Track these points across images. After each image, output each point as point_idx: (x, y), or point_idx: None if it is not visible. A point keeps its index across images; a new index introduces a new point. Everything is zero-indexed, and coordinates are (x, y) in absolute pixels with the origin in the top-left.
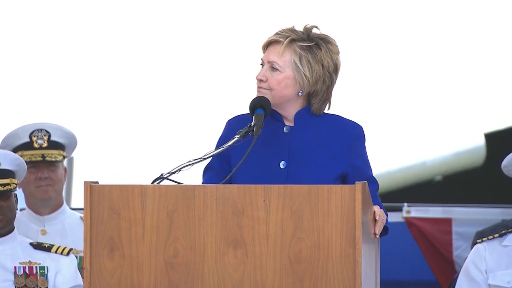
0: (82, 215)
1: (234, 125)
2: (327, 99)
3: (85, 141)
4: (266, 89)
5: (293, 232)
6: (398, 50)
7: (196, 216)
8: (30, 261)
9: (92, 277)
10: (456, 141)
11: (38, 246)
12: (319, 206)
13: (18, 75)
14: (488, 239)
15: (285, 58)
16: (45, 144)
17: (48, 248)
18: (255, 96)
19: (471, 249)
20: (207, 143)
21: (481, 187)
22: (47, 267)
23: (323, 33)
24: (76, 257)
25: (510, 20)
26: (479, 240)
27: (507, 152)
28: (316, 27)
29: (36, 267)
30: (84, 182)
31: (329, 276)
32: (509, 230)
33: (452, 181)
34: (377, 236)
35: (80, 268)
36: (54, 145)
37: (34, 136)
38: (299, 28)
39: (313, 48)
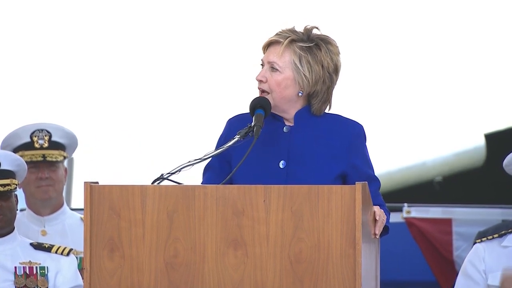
0: (82, 215)
1: (235, 124)
2: (327, 99)
3: (85, 141)
4: (266, 91)
5: (293, 232)
6: (398, 51)
7: (196, 216)
8: (30, 261)
9: (92, 277)
10: (456, 141)
11: (38, 246)
12: (319, 206)
13: (19, 75)
14: (487, 239)
15: (284, 58)
16: (46, 144)
17: (48, 248)
18: (256, 96)
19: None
20: (207, 143)
21: (481, 188)
22: (47, 267)
23: (323, 34)
24: (77, 258)
25: (510, 20)
26: (479, 240)
27: (507, 152)
28: (317, 27)
29: (36, 267)
30: (84, 182)
31: (329, 277)
32: (509, 230)
33: (452, 182)
34: (377, 237)
35: (80, 269)
36: (54, 145)
37: (35, 136)
38: (300, 28)
39: (313, 49)
